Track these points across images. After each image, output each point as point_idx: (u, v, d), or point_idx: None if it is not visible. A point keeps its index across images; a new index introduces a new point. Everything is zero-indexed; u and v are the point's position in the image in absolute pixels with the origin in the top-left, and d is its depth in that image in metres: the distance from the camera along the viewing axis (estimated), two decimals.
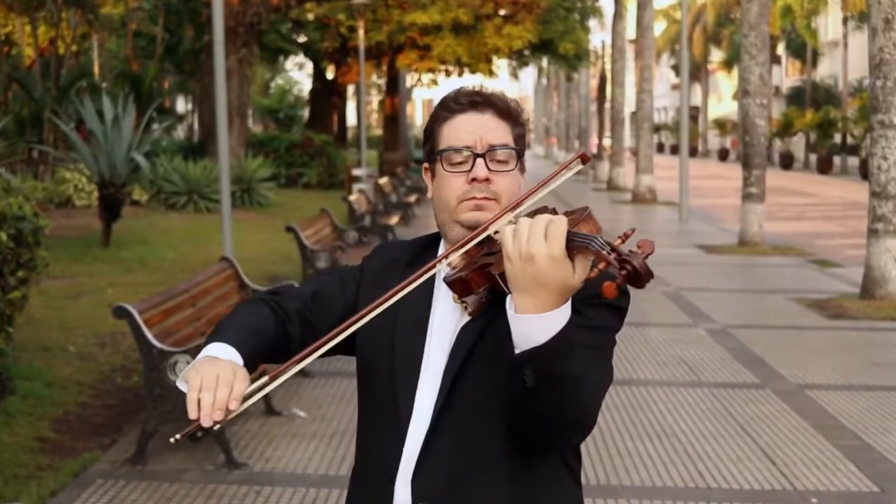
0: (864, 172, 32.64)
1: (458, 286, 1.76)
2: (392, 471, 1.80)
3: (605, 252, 1.50)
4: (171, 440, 1.67)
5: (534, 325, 1.56)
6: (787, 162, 44.87)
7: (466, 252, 1.80)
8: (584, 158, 1.77)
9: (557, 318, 1.56)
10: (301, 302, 1.93)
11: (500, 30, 27.13)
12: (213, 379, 1.64)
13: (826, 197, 27.55)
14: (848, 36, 41.88)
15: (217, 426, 1.64)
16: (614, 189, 29.75)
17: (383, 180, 21.25)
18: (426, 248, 1.98)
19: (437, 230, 1.99)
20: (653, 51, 27.12)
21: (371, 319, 1.83)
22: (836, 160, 41.19)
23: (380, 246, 2.08)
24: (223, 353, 1.74)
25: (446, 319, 1.86)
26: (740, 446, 5.76)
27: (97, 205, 13.06)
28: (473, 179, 1.83)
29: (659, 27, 54.14)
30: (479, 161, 1.83)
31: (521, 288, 1.56)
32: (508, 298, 1.60)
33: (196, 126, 32.16)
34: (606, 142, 36.46)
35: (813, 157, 43.73)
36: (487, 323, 1.80)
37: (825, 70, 50.40)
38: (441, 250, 1.94)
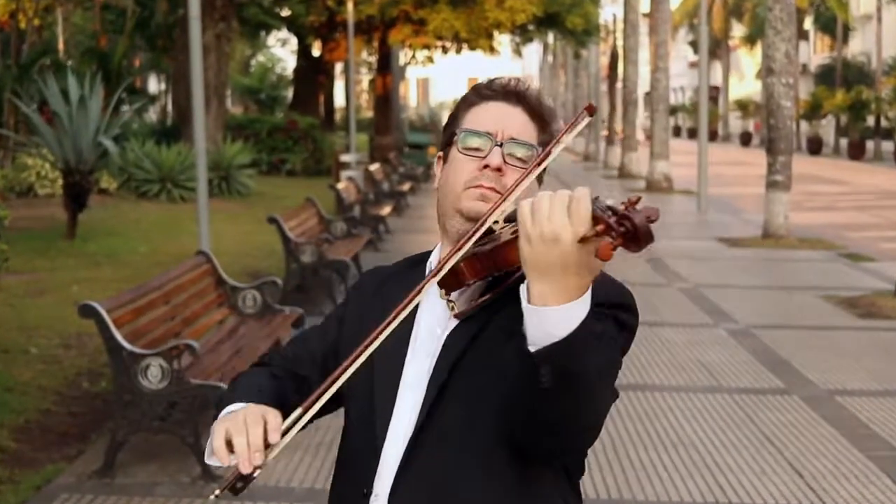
0: None
1: (448, 279, 1.74)
2: (369, 486, 1.81)
3: (605, 214, 1.46)
4: (211, 497, 1.66)
5: (554, 317, 1.52)
6: (815, 147, 44.91)
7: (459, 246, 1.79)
8: (590, 110, 1.74)
9: (579, 309, 1.53)
10: (288, 360, 2.02)
11: (502, 2, 27.06)
12: (241, 423, 1.65)
13: (858, 185, 27.57)
14: (882, 9, 41.87)
15: (258, 471, 1.63)
16: (627, 176, 29.76)
17: (374, 167, 21.22)
18: (416, 264, 2.01)
19: (426, 246, 2.02)
20: (669, 25, 27.10)
21: (352, 328, 1.92)
22: (869, 145, 41.22)
23: (367, 273, 2.14)
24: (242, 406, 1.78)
25: (433, 324, 1.86)
26: (764, 457, 5.77)
27: (62, 193, 13.04)
28: (486, 166, 1.85)
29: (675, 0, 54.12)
30: (497, 149, 1.85)
31: (542, 274, 1.52)
32: (522, 288, 1.56)
33: (170, 108, 32.10)
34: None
35: (843, 142, 43.77)
36: (480, 328, 1.79)
37: (857, 46, 50.40)
38: (435, 256, 1.96)
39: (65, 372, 7.18)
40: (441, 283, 1.76)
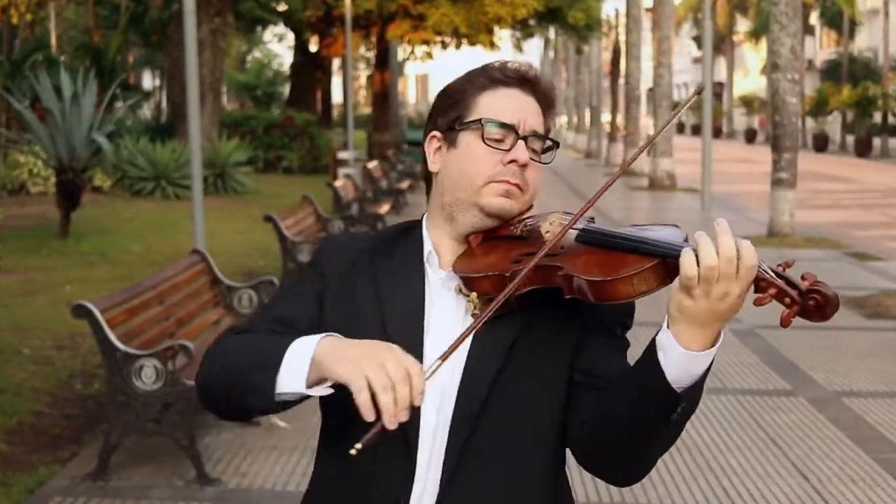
0: None
1: (486, 284, 1.70)
2: (406, 495, 1.74)
3: (769, 276, 1.56)
4: (352, 451, 1.52)
5: (698, 359, 1.59)
6: (821, 144, 44.91)
7: (491, 244, 1.79)
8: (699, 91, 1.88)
9: (716, 349, 1.61)
10: (268, 326, 1.86)
11: None
12: (383, 373, 1.52)
13: (865, 183, 27.57)
14: (889, 4, 41.87)
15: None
16: (629, 174, 29.71)
17: (372, 164, 21.22)
18: (399, 239, 1.90)
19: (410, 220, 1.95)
20: (672, 20, 27.11)
21: (338, 319, 1.80)
22: (876, 142, 41.23)
23: (327, 243, 1.96)
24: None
25: (449, 318, 1.79)
26: (769, 460, 5.77)
27: (54, 192, 13.04)
28: (511, 161, 1.80)
29: None
30: (521, 143, 1.81)
31: (699, 323, 1.58)
32: (665, 332, 1.60)
33: (164, 104, 32.11)
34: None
35: (850, 139, 43.77)
36: (519, 333, 1.76)
37: (864, 42, 50.41)
38: (426, 237, 1.87)
39: (58, 373, 7.18)
40: (476, 287, 1.72)
